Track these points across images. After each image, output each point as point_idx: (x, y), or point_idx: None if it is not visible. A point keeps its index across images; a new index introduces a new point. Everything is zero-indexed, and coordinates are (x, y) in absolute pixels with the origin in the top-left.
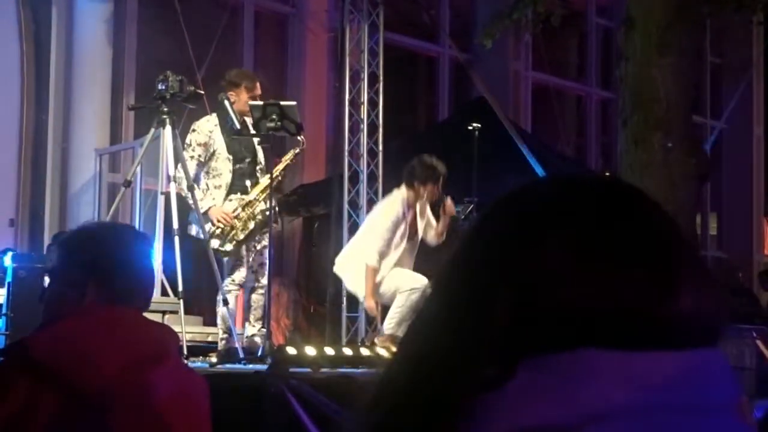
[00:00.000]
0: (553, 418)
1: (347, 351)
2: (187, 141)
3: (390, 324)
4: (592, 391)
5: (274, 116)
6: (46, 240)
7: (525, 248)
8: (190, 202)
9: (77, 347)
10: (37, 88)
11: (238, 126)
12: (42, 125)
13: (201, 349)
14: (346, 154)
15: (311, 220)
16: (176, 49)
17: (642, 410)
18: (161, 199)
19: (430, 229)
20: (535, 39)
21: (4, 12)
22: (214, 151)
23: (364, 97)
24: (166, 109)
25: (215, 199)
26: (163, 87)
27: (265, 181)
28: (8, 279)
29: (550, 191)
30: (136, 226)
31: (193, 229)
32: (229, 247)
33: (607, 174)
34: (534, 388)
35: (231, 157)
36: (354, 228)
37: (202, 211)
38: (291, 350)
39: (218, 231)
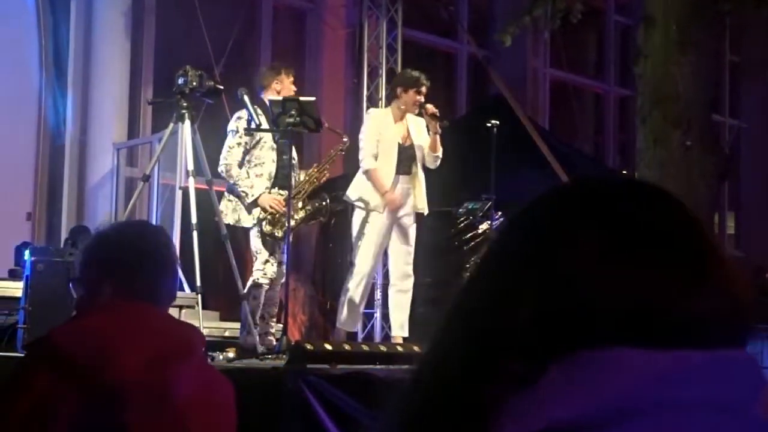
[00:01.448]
0: (582, 413)
1: (365, 347)
2: (232, 127)
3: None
4: (619, 387)
5: (293, 112)
6: (64, 234)
7: (555, 247)
8: (240, 189)
9: (100, 342)
10: (56, 82)
11: (257, 121)
12: (60, 119)
13: (218, 344)
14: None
15: (329, 216)
16: (194, 44)
17: (667, 407)
18: (179, 194)
19: (426, 148)
20: (553, 36)
21: (24, 5)
22: (259, 140)
23: (382, 93)
24: (185, 104)
25: (258, 188)
26: (183, 82)
27: (310, 173)
28: (26, 272)
29: (579, 193)
30: (154, 221)
31: (230, 218)
32: (280, 233)
33: (625, 172)
34: (565, 384)
35: (275, 148)
36: None
37: (252, 199)
38: (308, 346)
39: (270, 218)
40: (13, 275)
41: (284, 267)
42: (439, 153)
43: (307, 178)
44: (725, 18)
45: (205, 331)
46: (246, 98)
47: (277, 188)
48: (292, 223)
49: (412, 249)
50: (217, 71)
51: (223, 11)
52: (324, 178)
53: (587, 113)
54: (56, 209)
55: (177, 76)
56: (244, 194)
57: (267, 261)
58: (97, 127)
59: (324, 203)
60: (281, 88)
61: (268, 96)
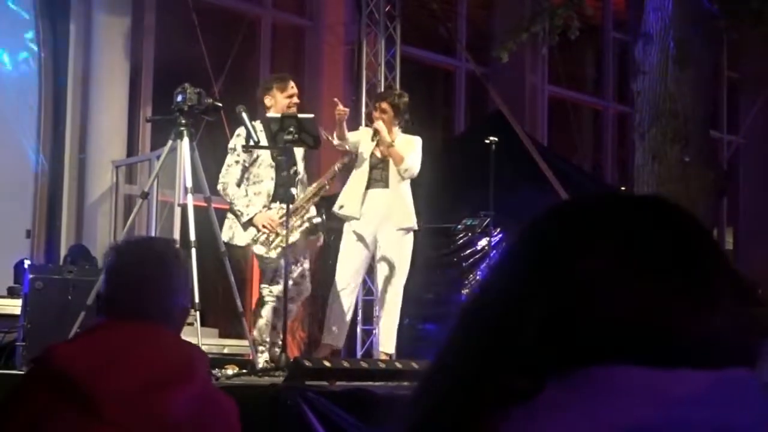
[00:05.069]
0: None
1: (363, 364)
2: (231, 145)
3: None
4: (616, 407)
5: (291, 129)
6: (63, 251)
7: (565, 262)
8: (236, 208)
9: (97, 361)
10: (55, 100)
11: (256, 137)
12: (59, 137)
13: (217, 361)
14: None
15: (327, 232)
16: (193, 62)
17: (665, 428)
18: (178, 211)
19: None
20: (551, 53)
21: (23, 24)
22: (257, 157)
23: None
24: (184, 122)
25: (255, 206)
26: (181, 99)
27: (311, 189)
28: (25, 290)
29: (590, 207)
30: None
31: (226, 235)
32: (273, 254)
33: (624, 189)
34: (560, 402)
35: (274, 165)
36: None
37: (247, 218)
38: (307, 363)
39: (263, 237)
40: (11, 293)
41: (307, 280)
42: (402, 165)
43: (305, 196)
44: (723, 35)
45: (204, 348)
46: (244, 115)
47: (278, 202)
48: (285, 243)
49: (396, 266)
50: (216, 89)
51: (222, 29)
52: (322, 193)
53: (586, 129)
54: (55, 227)
55: (176, 94)
56: (239, 213)
57: (273, 279)
58: (96, 144)
59: (320, 218)
60: (273, 104)
61: (268, 112)
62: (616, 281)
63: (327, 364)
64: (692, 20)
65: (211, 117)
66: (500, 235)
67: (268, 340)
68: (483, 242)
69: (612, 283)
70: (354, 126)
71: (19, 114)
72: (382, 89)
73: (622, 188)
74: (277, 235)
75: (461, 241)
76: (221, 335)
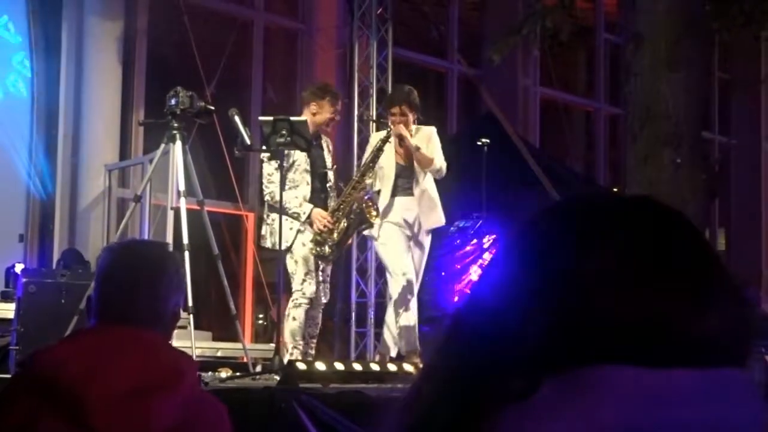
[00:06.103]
0: None
1: (357, 366)
2: (266, 155)
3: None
4: (610, 407)
5: (284, 131)
6: (56, 255)
7: (562, 263)
8: (291, 211)
9: (83, 365)
10: (48, 104)
11: (248, 141)
12: (52, 140)
13: (210, 364)
14: (355, 169)
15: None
16: (186, 65)
17: (661, 428)
18: (171, 214)
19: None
20: (543, 55)
21: (15, 27)
22: (293, 162)
23: (373, 113)
24: (176, 125)
25: (305, 205)
26: (174, 103)
27: (355, 178)
28: (18, 294)
29: (587, 208)
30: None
31: (268, 242)
32: (327, 250)
33: (616, 190)
34: (555, 403)
35: (309, 169)
36: (362, 243)
37: (305, 216)
38: (301, 365)
39: (318, 237)
40: (5, 296)
41: (326, 286)
42: (433, 166)
43: (351, 183)
44: (714, 35)
45: (197, 351)
46: (236, 118)
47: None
48: (338, 238)
49: (418, 267)
50: (208, 92)
51: (215, 32)
52: (368, 177)
53: (578, 131)
54: (48, 231)
55: (168, 97)
56: (296, 215)
57: (304, 280)
58: (89, 148)
59: (362, 204)
60: (317, 111)
61: (305, 114)
62: (613, 282)
63: (320, 366)
64: (683, 21)
65: (203, 120)
66: (493, 237)
67: (301, 343)
68: (475, 243)
69: (609, 284)
70: (348, 129)
71: (11, 118)
72: (374, 92)
73: (615, 189)
74: (331, 231)
75: (454, 243)
76: (215, 338)
